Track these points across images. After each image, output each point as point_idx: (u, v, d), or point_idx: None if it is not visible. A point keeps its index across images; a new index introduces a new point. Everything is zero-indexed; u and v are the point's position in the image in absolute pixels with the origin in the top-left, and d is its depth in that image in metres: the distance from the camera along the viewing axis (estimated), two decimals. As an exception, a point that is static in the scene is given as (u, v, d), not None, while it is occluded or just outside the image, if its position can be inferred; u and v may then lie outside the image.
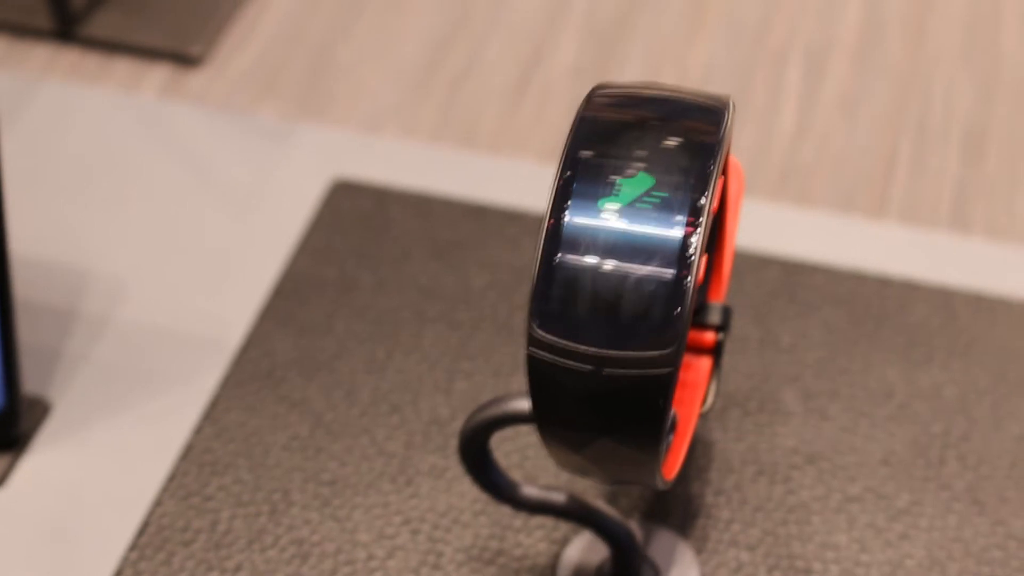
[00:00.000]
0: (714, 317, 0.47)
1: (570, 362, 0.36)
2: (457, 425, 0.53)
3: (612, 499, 0.50)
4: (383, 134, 0.64)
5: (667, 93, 0.39)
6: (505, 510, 0.50)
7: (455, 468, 0.51)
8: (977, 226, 0.60)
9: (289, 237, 0.59)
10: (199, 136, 0.64)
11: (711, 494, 0.51)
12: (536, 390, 0.37)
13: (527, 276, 0.57)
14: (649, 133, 0.37)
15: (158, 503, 0.50)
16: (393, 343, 0.55)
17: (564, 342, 0.36)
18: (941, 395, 0.54)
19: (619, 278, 0.36)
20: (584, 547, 0.49)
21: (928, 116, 0.64)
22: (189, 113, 0.65)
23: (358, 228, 0.60)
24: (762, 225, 0.59)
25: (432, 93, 0.66)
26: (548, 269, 0.36)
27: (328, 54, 0.68)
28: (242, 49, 0.68)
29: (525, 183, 0.61)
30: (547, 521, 0.50)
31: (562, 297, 0.36)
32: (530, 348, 0.37)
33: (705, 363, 0.47)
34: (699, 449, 0.52)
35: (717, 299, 0.47)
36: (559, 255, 0.36)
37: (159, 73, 0.67)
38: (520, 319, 0.56)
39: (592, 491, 0.50)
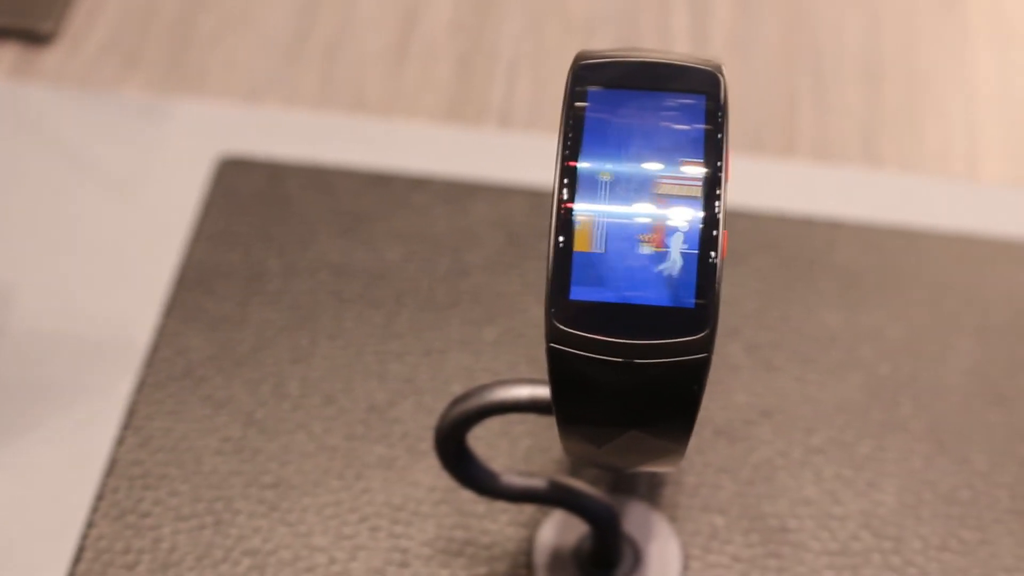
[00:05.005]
0: None
1: (597, 355, 0.33)
2: (398, 411, 0.50)
3: (575, 473, 0.48)
4: (264, 105, 0.60)
5: (657, 58, 0.36)
6: (466, 496, 0.47)
7: (404, 457, 0.48)
8: (889, 159, 0.59)
9: (182, 222, 0.55)
10: (64, 119, 0.59)
11: (674, 459, 0.49)
12: (559, 386, 0.34)
13: (444, 246, 0.54)
14: (649, 105, 0.35)
15: (91, 525, 0.46)
16: (314, 329, 0.52)
17: (589, 335, 0.33)
18: (884, 336, 0.53)
19: (642, 264, 0.33)
20: (557, 527, 0.46)
21: (822, 52, 0.63)
22: (48, 94, 0.59)
23: (255, 207, 0.56)
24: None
25: (308, 60, 0.62)
26: (563, 259, 0.33)
27: (189, 24, 0.63)
28: (95, 22, 0.63)
29: (425, 146, 0.58)
30: (510, 504, 0.47)
31: (582, 288, 0.33)
32: (551, 344, 0.34)
33: None
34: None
35: None
36: (574, 244, 0.33)
37: (7, 53, 0.61)
38: (443, 292, 0.53)
39: (563, 470, 0.48)
